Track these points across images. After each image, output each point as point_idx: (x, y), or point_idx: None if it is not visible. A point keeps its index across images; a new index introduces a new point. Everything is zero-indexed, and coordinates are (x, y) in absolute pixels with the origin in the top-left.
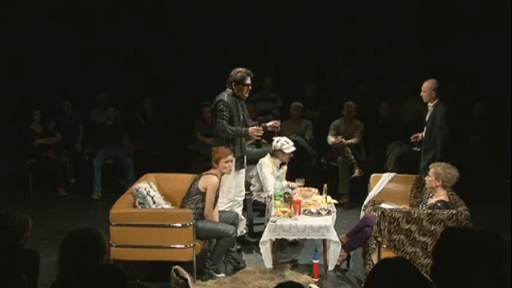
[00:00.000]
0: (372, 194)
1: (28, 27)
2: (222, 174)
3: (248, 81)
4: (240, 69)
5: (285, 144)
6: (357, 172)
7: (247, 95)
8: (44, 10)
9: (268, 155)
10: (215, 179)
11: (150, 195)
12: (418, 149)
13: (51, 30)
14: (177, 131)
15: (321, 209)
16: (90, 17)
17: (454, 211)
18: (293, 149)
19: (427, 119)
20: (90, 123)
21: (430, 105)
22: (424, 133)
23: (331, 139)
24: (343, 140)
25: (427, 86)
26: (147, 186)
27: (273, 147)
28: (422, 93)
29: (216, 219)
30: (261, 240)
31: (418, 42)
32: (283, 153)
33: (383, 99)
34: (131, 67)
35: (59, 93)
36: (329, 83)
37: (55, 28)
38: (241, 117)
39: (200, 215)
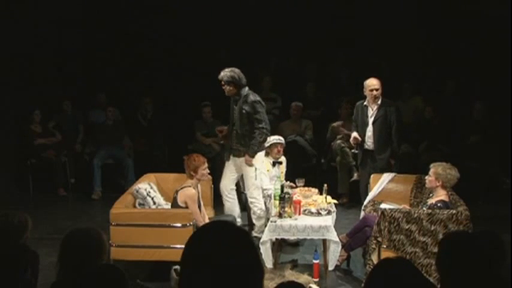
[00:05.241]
0: (372, 194)
1: (29, 27)
2: (198, 182)
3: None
4: None
5: (269, 141)
6: (355, 176)
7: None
8: (45, 10)
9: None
10: (191, 190)
11: (150, 196)
12: (357, 151)
13: (51, 30)
14: (177, 131)
15: (321, 209)
16: (90, 17)
17: (454, 211)
18: (273, 141)
19: (373, 119)
20: (90, 123)
21: (378, 102)
22: (370, 133)
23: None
24: (344, 129)
25: (378, 83)
26: (148, 187)
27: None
28: (376, 92)
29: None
30: (261, 240)
31: (419, 42)
32: (269, 148)
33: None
34: (131, 67)
35: (59, 93)
36: (329, 83)
37: (56, 28)
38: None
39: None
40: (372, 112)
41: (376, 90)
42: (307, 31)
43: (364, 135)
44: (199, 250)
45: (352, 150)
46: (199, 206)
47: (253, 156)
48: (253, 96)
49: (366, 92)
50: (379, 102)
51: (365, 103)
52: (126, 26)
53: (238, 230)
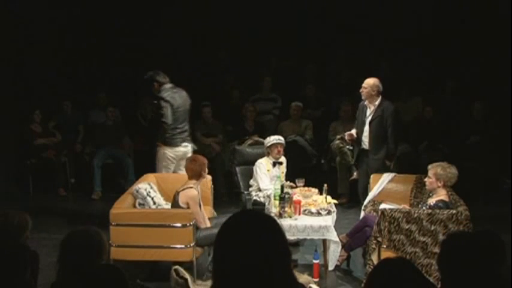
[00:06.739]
0: (372, 194)
1: (28, 27)
2: (200, 182)
3: None
4: None
5: (269, 141)
6: (355, 174)
7: None
8: (44, 10)
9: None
10: (194, 192)
11: (150, 196)
12: (352, 148)
13: (51, 30)
14: None
15: (321, 209)
16: (90, 16)
17: (454, 211)
18: (273, 141)
19: (370, 118)
20: (90, 123)
21: (376, 103)
22: (366, 132)
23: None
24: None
25: (369, 82)
26: (147, 187)
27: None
28: (362, 89)
29: (208, 224)
30: None
31: (419, 42)
32: (269, 148)
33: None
34: (131, 67)
35: (59, 93)
36: (329, 83)
37: (55, 28)
38: None
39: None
40: (369, 112)
41: (365, 88)
42: (307, 31)
43: (362, 134)
44: (233, 235)
45: (348, 147)
46: (199, 207)
47: (160, 141)
48: (162, 93)
49: None
50: (377, 102)
51: (365, 102)
52: (127, 26)
53: (268, 217)
